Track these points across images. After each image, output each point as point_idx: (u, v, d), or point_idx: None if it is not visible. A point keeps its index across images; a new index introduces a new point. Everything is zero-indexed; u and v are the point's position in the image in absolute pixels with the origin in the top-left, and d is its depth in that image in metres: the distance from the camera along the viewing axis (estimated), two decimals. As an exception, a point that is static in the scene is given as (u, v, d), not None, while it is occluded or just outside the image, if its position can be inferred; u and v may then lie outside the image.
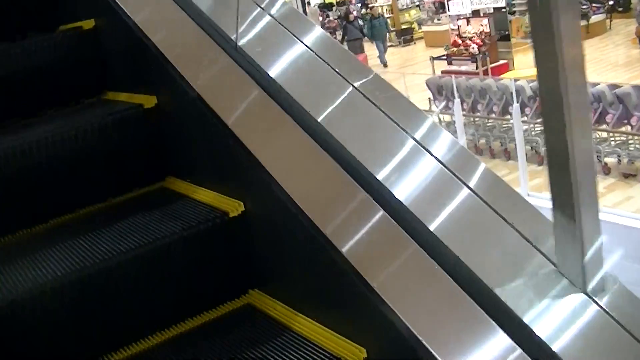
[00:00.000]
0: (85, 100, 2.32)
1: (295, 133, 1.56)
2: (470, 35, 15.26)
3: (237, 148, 1.61)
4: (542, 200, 8.25)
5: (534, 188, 9.42)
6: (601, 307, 1.14)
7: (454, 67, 15.01)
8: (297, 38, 1.73)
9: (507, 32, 15.18)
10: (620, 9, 19.49)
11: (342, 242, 1.38)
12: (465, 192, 1.34)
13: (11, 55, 2.25)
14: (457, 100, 10.61)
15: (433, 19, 22.35)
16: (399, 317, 1.23)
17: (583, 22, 18.12)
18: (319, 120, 1.52)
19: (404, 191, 1.37)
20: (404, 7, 23.61)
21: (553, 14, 0.98)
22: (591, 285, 1.14)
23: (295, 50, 1.72)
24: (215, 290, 1.78)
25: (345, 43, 18.97)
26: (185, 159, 2.04)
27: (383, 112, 1.51)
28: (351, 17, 20.12)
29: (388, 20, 21.24)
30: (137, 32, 1.97)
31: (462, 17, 16.17)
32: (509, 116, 11.06)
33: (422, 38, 22.33)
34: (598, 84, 10.15)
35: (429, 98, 12.95)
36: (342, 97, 1.58)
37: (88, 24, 2.32)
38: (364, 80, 1.60)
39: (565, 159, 1.04)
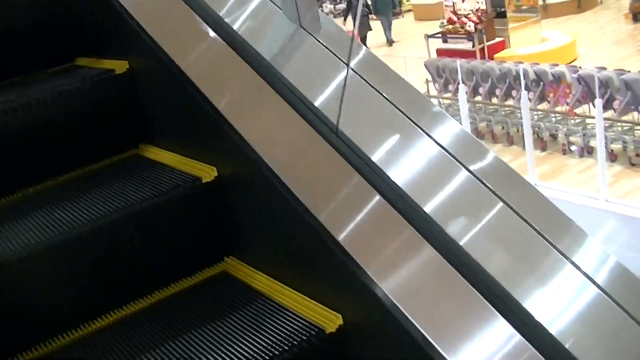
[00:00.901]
0: (58, 66, 2.27)
1: (272, 99, 1.52)
2: (466, 13, 14.59)
3: (211, 113, 1.58)
4: (550, 190, 8.07)
5: (539, 176, 9.18)
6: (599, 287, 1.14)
7: (449, 46, 14.52)
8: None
9: (502, 9, 14.64)
10: (609, -19, 19.02)
11: (319, 209, 1.37)
12: (463, 173, 1.31)
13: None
14: (461, 86, 10.13)
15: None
16: (374, 281, 1.22)
17: (575, -4, 17.78)
18: (300, 90, 1.49)
19: (384, 159, 1.34)
20: (393, -22, 22.82)
21: None
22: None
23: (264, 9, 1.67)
24: (190, 258, 1.77)
25: (347, 20, 17.54)
26: (159, 126, 2.00)
27: (371, 85, 1.48)
28: None
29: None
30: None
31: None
32: (511, 100, 10.82)
33: (410, 11, 21.73)
34: (605, 69, 9.85)
35: (426, 79, 12.51)
36: (326, 68, 1.54)
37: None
38: (356, 57, 1.56)
39: None
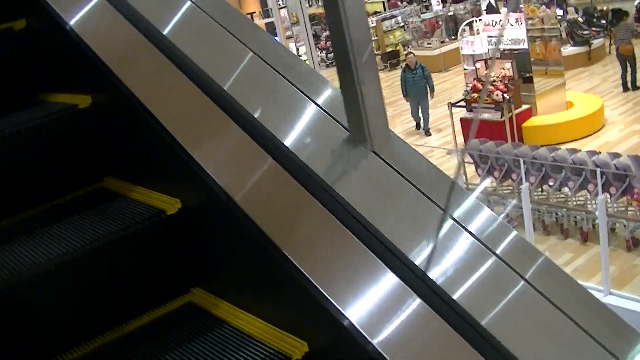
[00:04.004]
0: (21, 102, 2.27)
1: (230, 130, 1.54)
2: (491, 80, 12.96)
3: (173, 146, 1.60)
4: (625, 301, 7.21)
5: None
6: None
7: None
8: (231, 33, 1.71)
9: (529, 74, 13.28)
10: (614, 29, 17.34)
11: (281, 238, 1.38)
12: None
13: None
14: (524, 186, 8.84)
15: (419, 41, 20.16)
16: (338, 309, 1.24)
17: (585, 49, 17.05)
18: (256, 116, 1.51)
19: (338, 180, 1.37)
20: (389, 28, 21.41)
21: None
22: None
23: (232, 49, 1.70)
24: (157, 290, 1.77)
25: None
26: (123, 159, 2.01)
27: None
28: None
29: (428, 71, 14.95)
30: (70, 32, 1.93)
31: (478, 60, 13.85)
32: (565, 189, 9.62)
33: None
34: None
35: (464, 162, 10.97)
36: (285, 96, 1.57)
37: (19, 24, 2.27)
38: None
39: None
